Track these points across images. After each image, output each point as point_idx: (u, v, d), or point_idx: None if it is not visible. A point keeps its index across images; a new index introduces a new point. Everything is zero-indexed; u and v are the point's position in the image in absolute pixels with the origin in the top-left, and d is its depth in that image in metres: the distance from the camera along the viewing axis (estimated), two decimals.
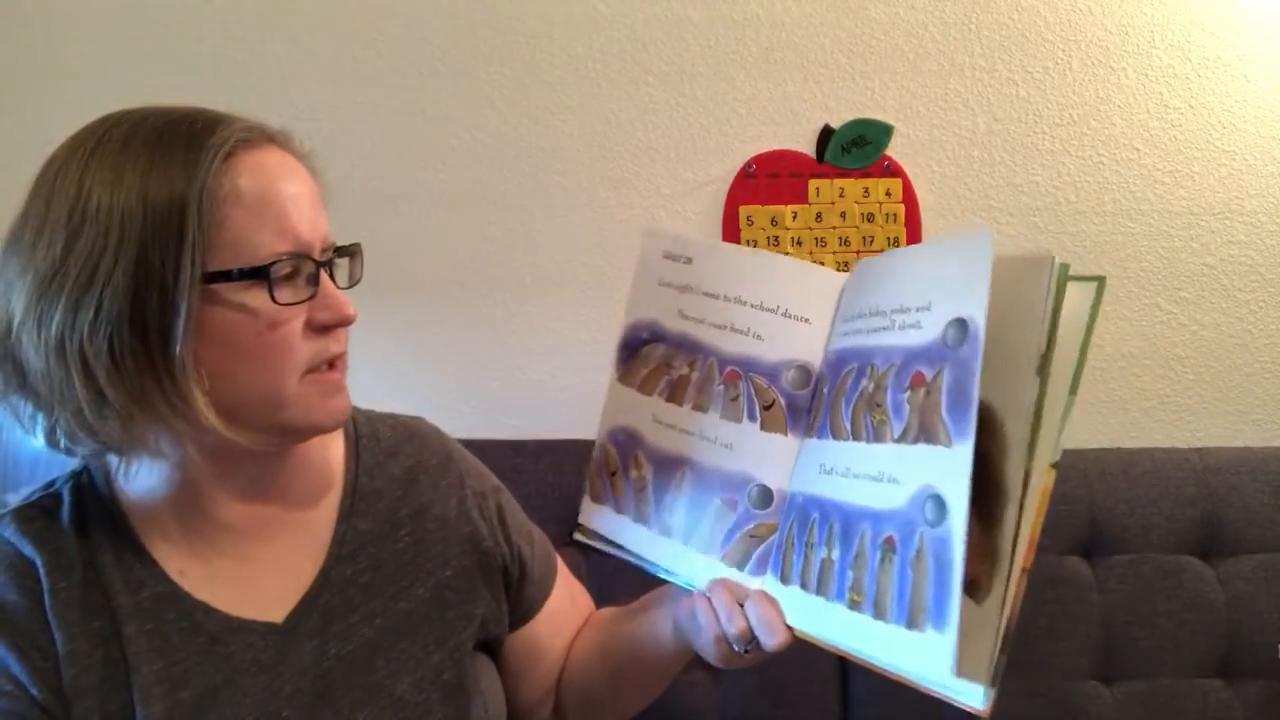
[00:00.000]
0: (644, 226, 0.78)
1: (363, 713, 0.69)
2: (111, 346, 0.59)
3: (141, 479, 0.69)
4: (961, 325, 0.57)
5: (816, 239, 1.43)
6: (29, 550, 0.65)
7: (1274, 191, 1.47)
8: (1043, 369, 0.56)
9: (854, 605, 0.60)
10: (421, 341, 1.42)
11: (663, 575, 0.74)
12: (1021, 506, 0.55)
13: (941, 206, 1.44)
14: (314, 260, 0.65)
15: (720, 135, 1.42)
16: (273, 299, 0.62)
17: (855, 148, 1.43)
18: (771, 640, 0.65)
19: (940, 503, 0.55)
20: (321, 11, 1.39)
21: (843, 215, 1.43)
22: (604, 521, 0.78)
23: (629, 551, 0.76)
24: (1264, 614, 1.23)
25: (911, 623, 0.56)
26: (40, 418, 0.63)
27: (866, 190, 1.43)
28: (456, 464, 0.83)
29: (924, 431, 0.58)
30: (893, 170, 1.43)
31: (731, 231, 1.43)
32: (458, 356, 1.42)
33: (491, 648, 0.82)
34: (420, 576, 0.76)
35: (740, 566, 0.70)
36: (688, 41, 1.41)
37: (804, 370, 0.70)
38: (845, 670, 1.22)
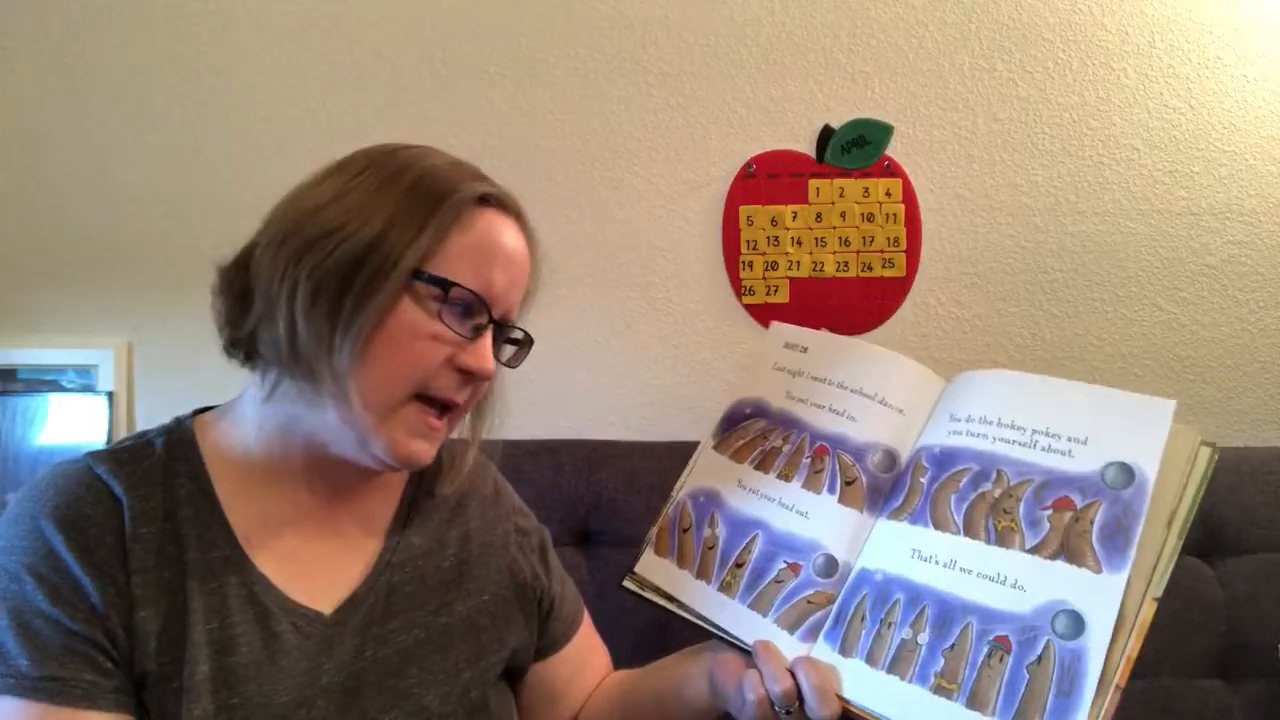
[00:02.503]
0: (772, 325, 0.88)
1: (389, 716, 0.71)
2: (315, 290, 0.66)
3: (239, 440, 0.72)
4: (1127, 471, 0.65)
5: (816, 239, 1.43)
6: (119, 490, 0.67)
7: (1274, 191, 1.47)
8: (1171, 522, 0.64)
9: (941, 691, 0.64)
10: None
11: (709, 627, 0.76)
12: (1131, 633, 0.61)
13: (941, 206, 1.44)
14: (489, 314, 0.72)
15: (720, 135, 1.43)
16: (439, 315, 0.69)
17: (855, 148, 1.43)
18: (823, 709, 0.66)
19: (1077, 619, 0.61)
20: (321, 12, 1.39)
21: (843, 215, 1.43)
22: (663, 574, 0.80)
23: (682, 605, 0.78)
24: (1264, 614, 1.23)
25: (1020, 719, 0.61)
26: (240, 326, 0.70)
27: (866, 190, 1.43)
28: (505, 500, 0.88)
29: (1067, 551, 0.64)
30: (893, 170, 1.43)
31: (731, 231, 1.43)
32: None
33: (514, 677, 0.84)
34: (460, 595, 0.79)
35: (791, 630, 0.71)
36: (688, 41, 1.41)
37: (890, 455, 0.75)
38: None
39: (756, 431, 0.82)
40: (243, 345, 0.71)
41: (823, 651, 0.69)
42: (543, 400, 1.42)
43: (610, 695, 0.89)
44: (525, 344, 0.80)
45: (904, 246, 1.44)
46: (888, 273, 1.44)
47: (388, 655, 0.73)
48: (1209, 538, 1.26)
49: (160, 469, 0.70)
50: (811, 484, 0.77)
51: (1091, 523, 0.64)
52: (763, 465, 0.80)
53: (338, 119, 1.39)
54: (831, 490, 0.75)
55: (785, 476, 0.78)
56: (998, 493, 0.68)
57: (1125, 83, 1.45)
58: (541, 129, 1.41)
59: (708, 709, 0.77)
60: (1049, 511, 0.65)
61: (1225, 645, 1.23)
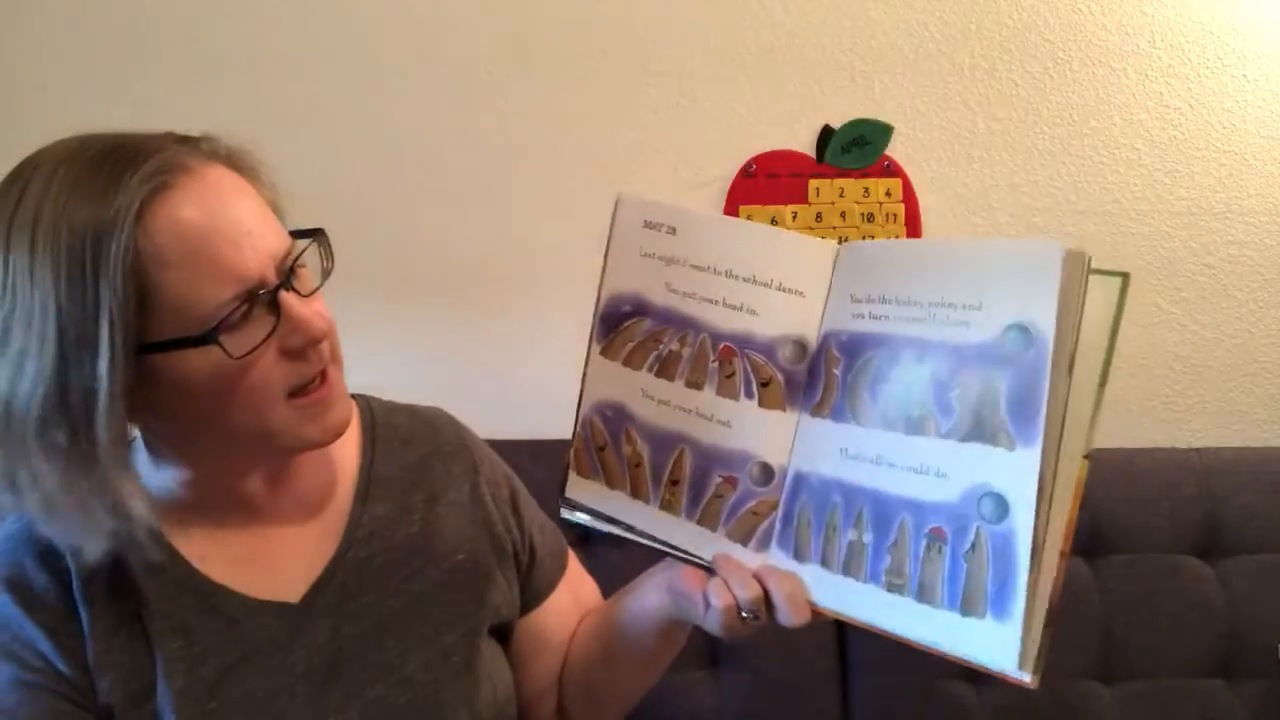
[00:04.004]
0: (619, 193, 0.79)
1: (373, 690, 0.71)
2: (41, 437, 0.59)
3: (161, 477, 0.71)
4: (1025, 332, 0.60)
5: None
6: (58, 541, 0.67)
7: (1274, 191, 1.47)
8: (1073, 365, 0.59)
9: (893, 588, 0.63)
10: (420, 341, 1.42)
11: (662, 548, 0.74)
12: (1052, 496, 0.59)
13: (941, 206, 1.44)
14: (268, 288, 0.62)
15: (720, 135, 1.42)
16: (229, 355, 0.60)
17: (855, 148, 1.43)
18: (797, 617, 0.65)
19: (1000, 501, 0.59)
20: (322, 11, 1.39)
21: (843, 215, 1.43)
22: (596, 496, 0.77)
23: (630, 528, 0.75)
24: (1264, 614, 1.23)
25: (967, 610, 0.60)
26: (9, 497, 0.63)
27: (866, 190, 1.43)
28: (471, 452, 0.85)
29: (979, 431, 0.61)
30: (893, 170, 1.43)
31: None
32: (456, 356, 1.42)
33: (502, 634, 0.83)
34: (432, 560, 0.77)
35: (744, 543, 0.71)
36: (688, 41, 1.41)
37: (799, 345, 0.70)
38: (845, 670, 1.22)
39: (644, 333, 0.75)
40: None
41: (777, 559, 0.69)
42: (543, 400, 1.41)
43: (586, 632, 0.88)
44: (318, 238, 0.68)
45: None
46: None
47: (364, 630, 0.73)
48: (1209, 538, 1.26)
49: None
50: (726, 390, 0.72)
51: (999, 395, 0.60)
52: (664, 372, 0.74)
53: (336, 119, 1.39)
54: (749, 395, 0.71)
55: (694, 384, 0.73)
56: (907, 378, 0.65)
57: (1125, 83, 1.44)
58: (542, 129, 1.41)
59: (668, 624, 0.76)
60: (956, 391, 0.62)
61: (1225, 645, 1.23)
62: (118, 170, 0.59)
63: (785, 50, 1.42)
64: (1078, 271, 0.59)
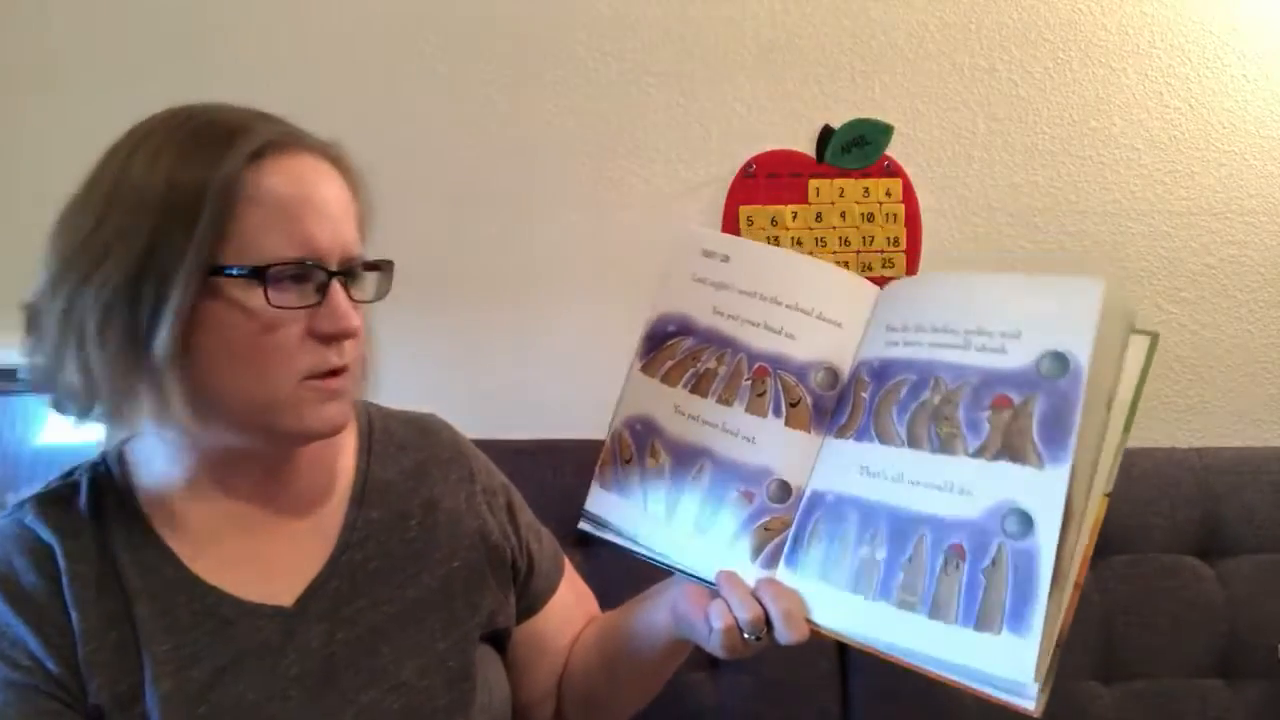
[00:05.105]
0: (682, 228, 0.81)
1: (367, 696, 0.71)
2: (102, 319, 0.62)
3: (158, 470, 0.71)
4: (1060, 360, 0.62)
5: (816, 239, 1.43)
6: (47, 535, 0.68)
7: (1274, 191, 1.47)
8: (1110, 404, 0.62)
9: (904, 605, 0.64)
10: (419, 341, 1.42)
11: (669, 565, 0.75)
12: (1079, 528, 0.61)
13: (941, 206, 1.44)
14: (326, 270, 0.66)
15: (720, 135, 1.42)
16: (267, 301, 0.63)
17: (855, 148, 1.43)
18: (792, 634, 0.66)
19: (1025, 518, 0.61)
20: (321, 13, 1.39)
21: (843, 215, 1.43)
22: (611, 508, 0.78)
23: (635, 540, 0.76)
24: (1264, 614, 1.23)
25: (983, 625, 0.60)
26: (50, 384, 0.66)
27: (866, 190, 1.43)
28: (467, 460, 0.85)
29: (1009, 450, 0.63)
30: (893, 170, 1.43)
31: (731, 231, 1.42)
32: (456, 357, 1.42)
33: (499, 641, 0.83)
34: (428, 566, 0.77)
35: (752, 559, 0.71)
36: (688, 41, 1.41)
37: (832, 372, 0.73)
38: (845, 670, 1.22)
39: (685, 351, 0.77)
40: (65, 406, 0.67)
41: (785, 576, 0.69)
42: (543, 400, 1.42)
43: (588, 642, 0.88)
44: (384, 268, 0.73)
45: (904, 246, 1.44)
46: (888, 273, 1.44)
47: (359, 635, 0.72)
48: (1209, 538, 1.26)
49: (89, 506, 0.70)
50: (755, 408, 0.74)
51: (1031, 417, 0.62)
52: (698, 389, 0.76)
53: (335, 120, 1.38)
54: (777, 413, 0.73)
55: (725, 401, 0.75)
56: (937, 400, 0.66)
57: (1125, 83, 1.45)
58: (541, 129, 1.41)
59: (672, 643, 0.77)
60: (988, 412, 0.64)
61: (1225, 645, 1.23)
62: (249, 122, 0.68)
63: (785, 50, 1.42)
64: (1117, 310, 0.61)
